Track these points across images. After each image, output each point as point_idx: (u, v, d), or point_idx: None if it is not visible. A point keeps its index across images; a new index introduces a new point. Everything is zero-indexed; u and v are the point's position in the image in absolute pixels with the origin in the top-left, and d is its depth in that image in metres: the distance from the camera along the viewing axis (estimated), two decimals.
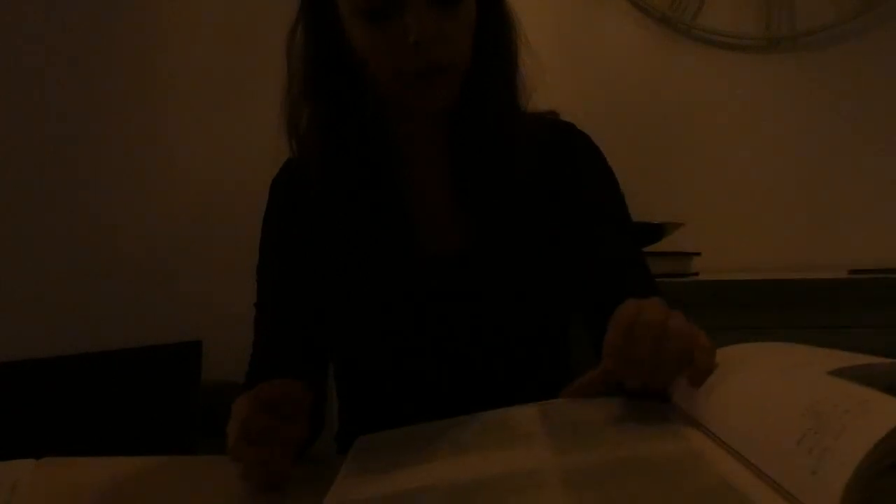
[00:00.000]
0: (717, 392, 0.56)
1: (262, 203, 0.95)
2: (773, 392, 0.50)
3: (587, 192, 0.90)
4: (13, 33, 2.16)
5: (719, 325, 1.03)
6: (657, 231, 1.70)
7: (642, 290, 0.77)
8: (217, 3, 2.24)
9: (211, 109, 2.22)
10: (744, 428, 0.50)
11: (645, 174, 1.91)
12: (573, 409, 0.66)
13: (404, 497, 0.55)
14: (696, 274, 1.77)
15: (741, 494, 0.44)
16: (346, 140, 0.86)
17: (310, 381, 0.80)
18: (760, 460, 0.46)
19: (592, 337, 0.86)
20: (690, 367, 0.58)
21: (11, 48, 2.16)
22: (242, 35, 2.21)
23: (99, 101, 2.19)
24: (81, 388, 1.71)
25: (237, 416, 0.66)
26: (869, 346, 0.58)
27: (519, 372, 0.87)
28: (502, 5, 0.87)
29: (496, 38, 0.86)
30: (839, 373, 0.47)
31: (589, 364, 0.71)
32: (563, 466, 0.52)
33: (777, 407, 0.48)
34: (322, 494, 0.60)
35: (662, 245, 1.72)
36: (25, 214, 2.15)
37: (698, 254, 1.79)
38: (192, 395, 1.77)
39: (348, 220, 0.89)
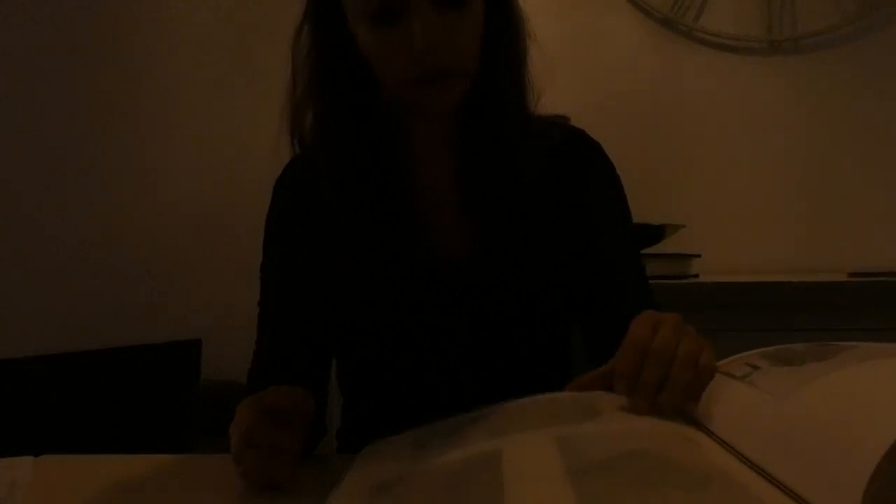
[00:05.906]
0: (725, 395, 0.56)
1: (262, 204, 0.95)
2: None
3: (594, 201, 0.90)
4: (12, 35, 2.16)
5: (719, 327, 1.04)
6: (658, 232, 1.69)
7: (638, 302, 0.80)
8: (214, 8, 2.24)
9: (211, 111, 2.22)
10: (752, 430, 0.50)
11: (646, 176, 1.91)
12: (580, 400, 0.67)
13: (403, 481, 0.56)
14: (697, 276, 1.76)
15: (744, 486, 0.44)
16: (352, 142, 0.85)
17: (312, 383, 0.81)
18: (771, 463, 0.45)
19: (585, 339, 0.89)
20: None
21: (11, 50, 2.16)
22: (242, 38, 2.21)
23: (100, 101, 2.20)
24: (81, 385, 1.71)
25: (240, 421, 0.67)
26: None
27: (522, 375, 0.87)
28: (510, 4, 0.85)
29: (504, 38, 0.84)
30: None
31: (590, 369, 0.72)
32: (566, 453, 0.52)
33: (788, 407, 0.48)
34: (322, 493, 0.60)
35: (663, 247, 1.72)
36: (26, 214, 2.15)
37: (698, 255, 1.79)
38: (191, 394, 1.77)
39: (355, 222, 0.88)
